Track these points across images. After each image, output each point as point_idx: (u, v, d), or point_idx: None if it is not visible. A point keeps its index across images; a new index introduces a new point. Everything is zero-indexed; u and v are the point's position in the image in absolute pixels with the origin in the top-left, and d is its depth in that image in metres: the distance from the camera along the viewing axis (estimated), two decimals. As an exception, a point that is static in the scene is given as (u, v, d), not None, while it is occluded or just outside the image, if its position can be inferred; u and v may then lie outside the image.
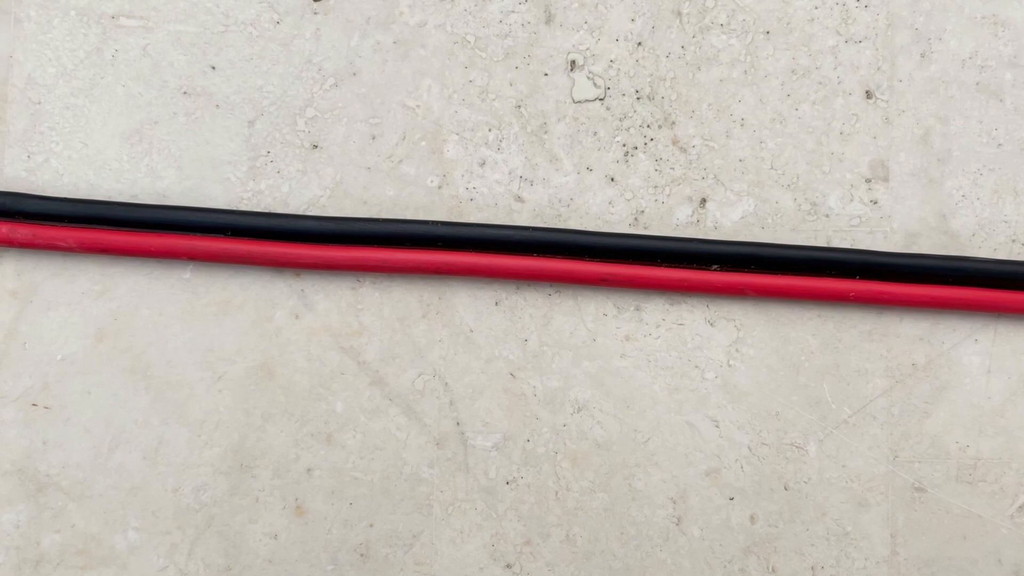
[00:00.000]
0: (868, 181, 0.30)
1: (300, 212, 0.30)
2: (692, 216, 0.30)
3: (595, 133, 0.30)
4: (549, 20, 0.30)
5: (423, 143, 0.30)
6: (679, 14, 0.30)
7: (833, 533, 0.29)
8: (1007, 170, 0.30)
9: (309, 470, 0.30)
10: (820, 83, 0.30)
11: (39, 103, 0.30)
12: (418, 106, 0.30)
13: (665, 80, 0.30)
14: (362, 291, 0.30)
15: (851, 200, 0.30)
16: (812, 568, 0.30)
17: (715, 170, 0.30)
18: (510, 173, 0.30)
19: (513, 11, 0.30)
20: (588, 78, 0.30)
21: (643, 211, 0.30)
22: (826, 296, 0.30)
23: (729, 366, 0.30)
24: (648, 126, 0.30)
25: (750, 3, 0.30)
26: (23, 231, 0.30)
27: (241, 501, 0.30)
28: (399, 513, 0.30)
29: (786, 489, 0.30)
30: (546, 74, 0.30)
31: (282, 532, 0.30)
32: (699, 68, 0.30)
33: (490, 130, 0.30)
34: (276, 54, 0.30)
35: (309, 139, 0.30)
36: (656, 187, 0.30)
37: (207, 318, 0.29)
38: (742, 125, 0.30)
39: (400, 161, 0.30)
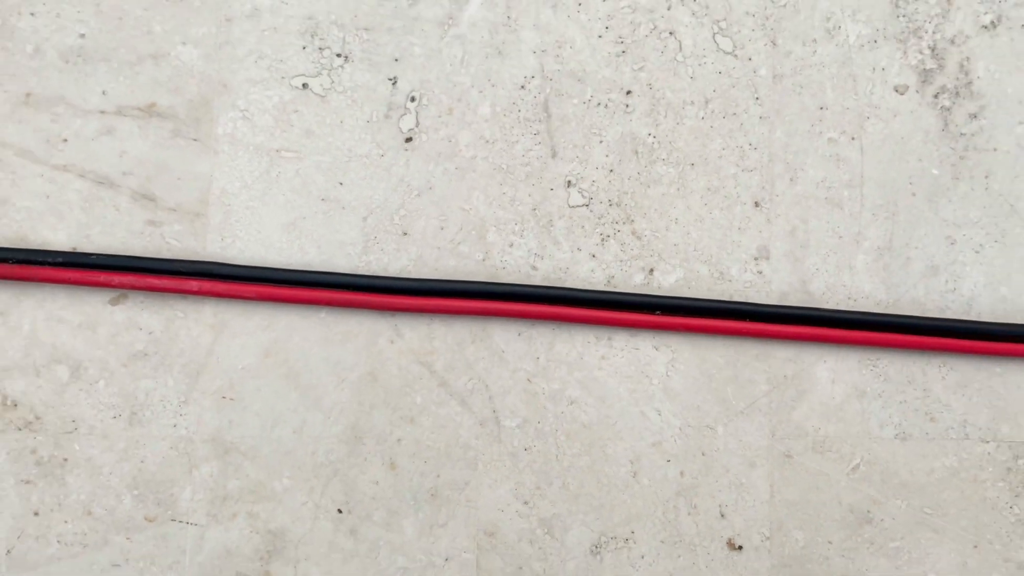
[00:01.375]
0: (756, 259, 0.45)
1: (395, 275, 0.46)
2: (644, 280, 0.45)
3: (583, 227, 0.46)
4: (554, 155, 0.46)
5: (473, 232, 0.46)
6: (636, 152, 0.46)
7: (733, 484, 0.45)
8: (844, 254, 0.45)
9: (399, 440, 0.45)
10: (725, 197, 0.45)
11: (229, 205, 0.46)
12: (470, 209, 0.46)
13: (627, 193, 0.46)
14: (433, 326, 0.46)
15: (745, 271, 0.45)
16: (720, 506, 0.45)
17: (659, 251, 0.45)
18: (528, 251, 0.46)
19: (531, 150, 0.46)
20: (578, 192, 0.46)
21: (613, 276, 0.46)
22: (729, 332, 0.45)
23: (667, 376, 0.45)
24: (616, 222, 0.46)
25: (682, 146, 0.46)
26: (220, 287, 0.46)
27: (355, 460, 0.45)
28: (456, 469, 0.45)
29: (703, 455, 0.45)
30: (551, 189, 0.46)
31: (381, 480, 0.45)
32: (649, 186, 0.46)
33: (516, 224, 0.46)
34: (381, 175, 0.46)
35: (401, 228, 0.46)
36: (621, 261, 0.46)
37: (335, 343, 0.45)
38: (676, 222, 0.46)
39: (459, 244, 0.46)
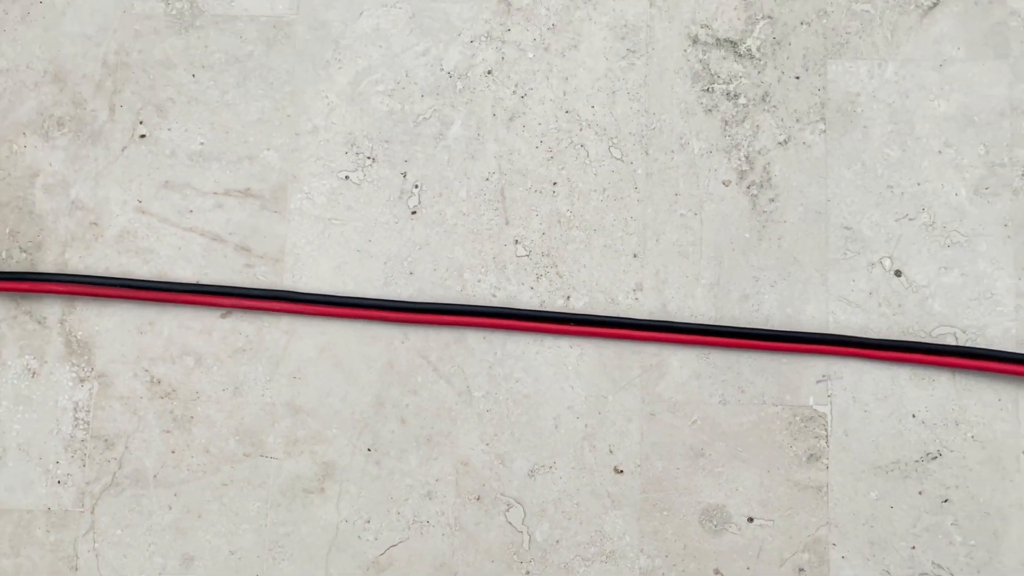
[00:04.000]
0: (634, 291, 0.70)
1: (404, 300, 0.70)
2: (564, 304, 0.70)
3: (525, 269, 0.69)
4: (507, 223, 0.71)
5: (455, 272, 0.70)
6: (559, 222, 0.71)
7: (618, 432, 0.69)
8: (689, 287, 0.71)
9: (407, 405, 0.69)
10: (615, 251, 0.70)
11: (297, 254, 0.69)
12: (453, 258, 0.70)
13: (554, 248, 0.70)
14: (429, 333, 0.69)
15: (627, 298, 0.69)
16: (609, 446, 0.70)
17: (573, 285, 0.70)
18: (490, 285, 0.70)
19: (492, 220, 0.71)
20: (522, 247, 0.71)
21: (544, 301, 0.70)
22: (617, 337, 0.69)
23: (577, 364, 0.68)
24: (547, 267, 0.69)
25: (588, 218, 0.71)
26: (292, 307, 0.69)
27: (379, 418, 0.69)
28: (443, 423, 0.69)
29: (599, 413, 0.69)
30: (505, 245, 0.70)
31: (396, 430, 0.69)
32: (567, 244, 0.70)
33: (482, 267, 0.70)
34: (395, 235, 0.69)
35: (408, 270, 0.70)
36: (550, 292, 0.70)
37: (366, 343, 0.68)
38: (584, 267, 0.70)
39: (445, 279, 0.70)
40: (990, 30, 0.69)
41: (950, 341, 0.67)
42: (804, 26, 0.70)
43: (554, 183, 0.69)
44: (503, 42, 0.70)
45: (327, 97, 0.69)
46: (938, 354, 0.66)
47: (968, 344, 0.67)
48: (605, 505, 0.65)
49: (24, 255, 0.68)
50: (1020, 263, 0.67)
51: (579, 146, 0.69)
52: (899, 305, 0.67)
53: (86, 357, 0.67)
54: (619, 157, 0.69)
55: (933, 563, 0.65)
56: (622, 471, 0.66)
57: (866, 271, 0.67)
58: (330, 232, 0.68)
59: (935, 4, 0.70)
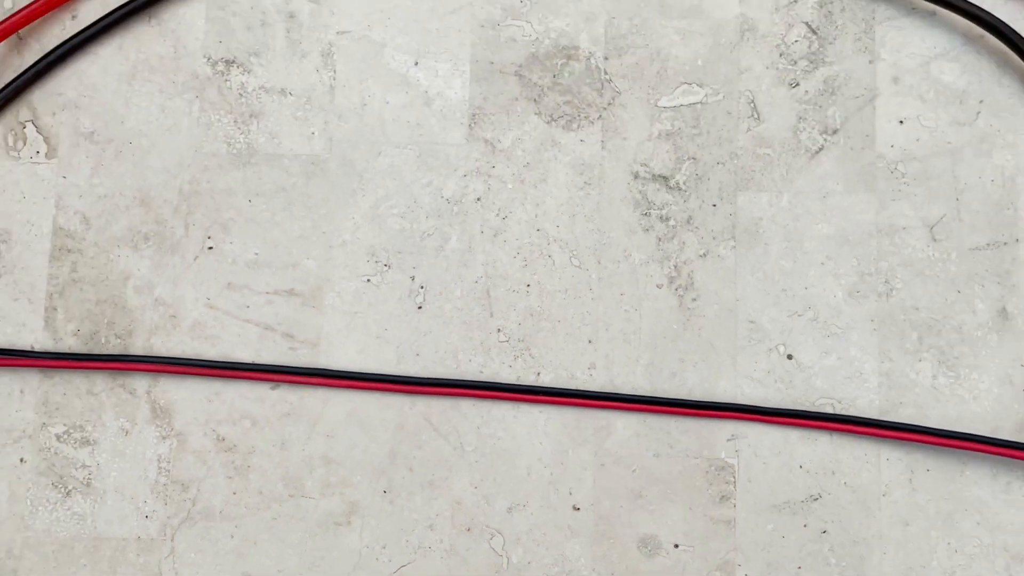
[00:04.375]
0: (588, 368, 0.91)
1: (412, 375, 0.90)
2: (535, 379, 0.91)
3: (505, 352, 0.90)
4: (491, 316, 0.91)
5: (450, 354, 0.90)
6: (531, 315, 0.91)
7: (576, 474, 0.90)
8: (631, 367, 0.91)
9: (414, 456, 0.89)
10: (576, 339, 0.91)
11: (331, 341, 0.90)
12: (450, 343, 0.90)
13: (528, 336, 0.91)
14: (431, 400, 0.90)
15: (583, 374, 0.91)
16: (569, 490, 0.90)
17: (543, 364, 0.90)
18: (479, 364, 0.90)
19: (480, 315, 0.91)
20: (503, 335, 0.91)
21: (520, 376, 0.91)
22: (575, 404, 0.90)
23: (545, 425, 0.90)
24: (522, 350, 0.90)
25: (554, 313, 0.92)
26: (326, 381, 0.90)
27: (394, 462, 0.89)
28: (440, 470, 0.89)
29: (562, 464, 0.90)
30: (489, 333, 0.91)
31: (406, 476, 0.89)
32: (538, 332, 0.91)
33: (472, 351, 0.91)
34: (405, 326, 0.89)
35: (415, 352, 0.90)
36: (524, 369, 0.90)
37: (383, 409, 0.89)
38: (551, 350, 0.91)
39: (444, 359, 0.90)
40: (862, 170, 0.91)
41: (828, 410, 0.87)
42: (720, 165, 0.91)
43: (528, 285, 0.89)
44: (489, 176, 0.91)
45: (353, 218, 0.90)
46: (819, 419, 0.87)
47: (842, 412, 0.87)
48: (566, 535, 0.86)
49: (118, 340, 0.88)
50: (882, 351, 0.88)
51: (547, 256, 0.90)
52: (790, 381, 0.88)
53: (167, 420, 0.87)
54: (578, 265, 0.90)
55: (812, 579, 0.85)
56: (579, 508, 0.86)
57: (765, 355, 0.88)
58: (355, 323, 0.89)
59: (820, 149, 0.91)
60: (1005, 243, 0.88)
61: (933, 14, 0.90)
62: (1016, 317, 0.87)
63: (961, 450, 0.80)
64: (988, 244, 0.88)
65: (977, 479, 0.85)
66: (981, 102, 0.89)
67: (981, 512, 0.84)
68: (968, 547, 0.84)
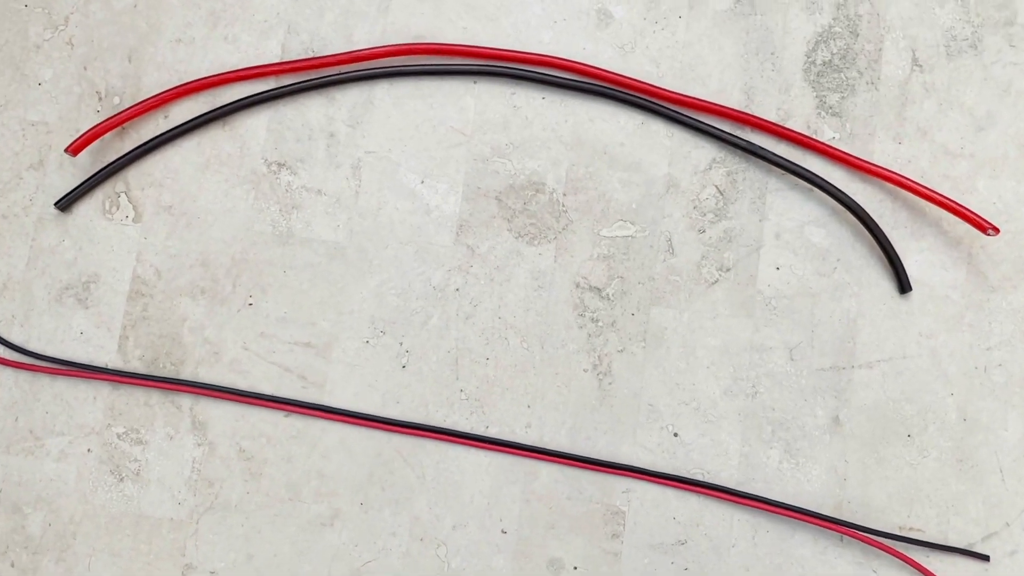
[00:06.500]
0: (526, 427, 1.20)
1: (394, 418, 1.18)
2: (497, 433, 1.19)
3: (471, 412, 1.19)
4: (457, 378, 1.20)
5: (427, 410, 1.19)
6: (491, 387, 1.20)
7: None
8: (580, 430, 1.20)
9: (392, 487, 1.17)
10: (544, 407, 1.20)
11: (333, 385, 1.18)
12: (432, 400, 1.19)
13: (485, 405, 1.20)
14: (404, 439, 1.18)
15: (528, 433, 1.19)
16: (500, 519, 1.18)
17: (497, 422, 1.19)
18: (451, 421, 1.19)
19: (453, 384, 1.20)
20: (470, 401, 1.20)
21: (489, 427, 1.19)
22: (528, 457, 1.19)
23: (491, 467, 1.18)
24: (477, 412, 1.19)
25: (512, 386, 1.20)
26: (329, 416, 1.17)
27: (370, 485, 1.16)
28: (407, 491, 1.17)
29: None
30: (460, 400, 1.19)
31: (378, 494, 1.16)
32: (499, 400, 1.20)
33: (446, 408, 1.19)
34: (399, 382, 1.18)
35: (395, 399, 1.19)
36: (486, 427, 1.19)
37: (373, 442, 1.17)
38: (504, 416, 1.20)
39: (429, 410, 1.18)
40: (744, 300, 1.21)
41: (699, 477, 1.16)
42: (640, 284, 1.21)
43: (487, 358, 1.17)
44: (467, 273, 1.20)
45: (361, 293, 1.18)
46: (691, 484, 1.15)
47: (709, 480, 1.16)
48: (494, 551, 1.12)
49: (173, 367, 1.15)
50: (744, 438, 1.17)
51: (504, 339, 1.18)
52: (674, 453, 1.17)
53: (203, 431, 1.14)
54: (526, 348, 1.17)
55: (671, 602, 1.13)
56: (506, 532, 1.11)
57: (658, 431, 1.17)
58: (353, 373, 1.16)
59: (716, 281, 1.21)
60: (843, 368, 1.18)
61: (811, 190, 1.21)
62: (845, 424, 1.17)
63: (793, 519, 1.03)
64: (831, 367, 1.18)
65: (803, 542, 1.12)
66: (838, 260, 1.20)
67: (803, 567, 1.13)
68: (788, 590, 1.12)
